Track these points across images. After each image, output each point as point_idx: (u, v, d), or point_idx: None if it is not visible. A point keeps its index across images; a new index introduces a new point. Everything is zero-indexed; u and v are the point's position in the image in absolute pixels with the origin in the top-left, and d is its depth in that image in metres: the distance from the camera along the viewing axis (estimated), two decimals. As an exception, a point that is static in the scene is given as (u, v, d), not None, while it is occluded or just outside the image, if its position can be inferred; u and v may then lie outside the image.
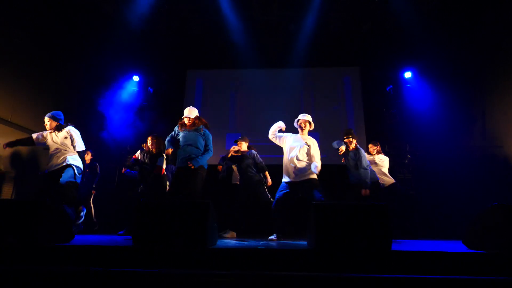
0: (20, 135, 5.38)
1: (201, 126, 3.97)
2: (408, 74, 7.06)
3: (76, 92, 7.00)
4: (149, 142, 4.88)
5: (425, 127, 6.59)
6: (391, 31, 6.90)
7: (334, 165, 6.03)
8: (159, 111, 7.27)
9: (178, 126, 4.02)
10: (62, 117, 4.06)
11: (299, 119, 4.18)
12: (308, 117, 4.15)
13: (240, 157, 4.81)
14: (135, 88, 7.30)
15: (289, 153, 4.04)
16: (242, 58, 7.25)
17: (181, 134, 3.94)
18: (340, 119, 7.23)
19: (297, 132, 4.22)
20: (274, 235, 3.97)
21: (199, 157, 3.77)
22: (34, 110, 5.81)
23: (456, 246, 3.05)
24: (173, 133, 4.04)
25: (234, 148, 4.83)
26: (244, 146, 4.92)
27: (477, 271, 2.12)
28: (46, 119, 3.94)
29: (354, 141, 4.54)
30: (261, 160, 4.87)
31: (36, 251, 2.20)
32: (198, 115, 4.04)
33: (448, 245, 3.36)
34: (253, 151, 4.89)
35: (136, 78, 7.33)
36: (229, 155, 4.84)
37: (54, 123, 3.94)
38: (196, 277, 1.96)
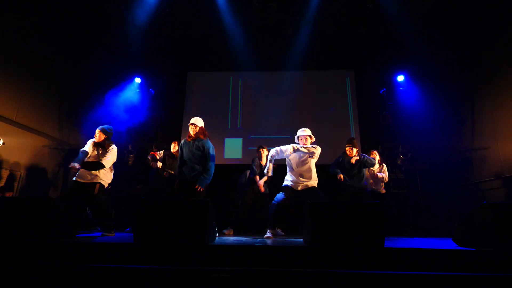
0: (25, 135, 5.49)
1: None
2: (400, 78, 7.21)
3: (79, 93, 7.06)
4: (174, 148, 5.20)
5: (417, 128, 6.74)
6: (385, 36, 7.06)
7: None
8: (160, 112, 7.32)
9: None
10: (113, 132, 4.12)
11: (299, 136, 4.23)
12: (307, 132, 4.21)
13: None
14: (137, 90, 7.36)
15: (296, 165, 4.10)
16: (241, 61, 7.35)
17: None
18: (335, 120, 7.33)
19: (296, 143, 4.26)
20: (270, 233, 4.04)
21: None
22: (39, 110, 5.90)
23: (447, 244, 3.12)
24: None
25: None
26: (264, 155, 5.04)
27: (466, 267, 2.18)
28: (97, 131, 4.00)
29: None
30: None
31: (40, 247, 2.22)
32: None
33: (439, 242, 3.44)
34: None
35: (138, 80, 7.41)
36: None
37: (103, 137, 3.99)
38: (195, 273, 2.00)
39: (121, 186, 6.32)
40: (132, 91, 7.31)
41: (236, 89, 7.77)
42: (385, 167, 5.31)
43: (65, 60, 6.67)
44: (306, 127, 4.27)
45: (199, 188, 3.71)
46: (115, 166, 4.26)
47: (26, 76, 5.58)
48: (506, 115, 5.25)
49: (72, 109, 6.78)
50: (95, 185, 3.85)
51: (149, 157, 5.30)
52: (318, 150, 4.11)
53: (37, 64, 5.86)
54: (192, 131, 3.95)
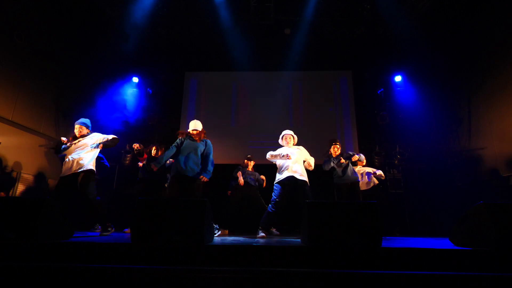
0: (21, 134, 5.44)
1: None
2: (398, 78, 7.25)
3: (77, 93, 7.01)
4: (153, 151, 4.96)
5: (414, 128, 6.77)
6: (382, 36, 7.09)
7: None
8: (157, 112, 7.30)
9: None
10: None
11: (283, 135, 4.27)
12: (291, 131, 4.30)
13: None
14: (135, 89, 7.34)
15: (291, 166, 4.08)
16: (239, 61, 7.37)
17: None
18: (333, 120, 7.35)
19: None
20: (262, 232, 4.04)
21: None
22: (36, 109, 5.84)
23: (443, 243, 3.14)
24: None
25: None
26: (251, 165, 5.33)
27: (462, 267, 2.20)
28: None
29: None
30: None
31: (37, 247, 2.20)
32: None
33: (436, 242, 3.45)
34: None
35: (135, 80, 7.37)
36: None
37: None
38: (193, 273, 2.00)
39: (119, 186, 6.31)
40: (130, 90, 7.31)
41: (234, 89, 7.77)
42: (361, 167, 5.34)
43: (63, 60, 6.63)
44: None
45: (203, 178, 3.72)
46: (112, 166, 4.23)
47: (23, 75, 5.54)
48: (502, 115, 5.29)
49: (69, 108, 6.74)
50: (83, 173, 3.65)
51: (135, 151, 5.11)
52: (302, 150, 4.17)
53: (35, 63, 5.83)
54: (195, 135, 3.94)
